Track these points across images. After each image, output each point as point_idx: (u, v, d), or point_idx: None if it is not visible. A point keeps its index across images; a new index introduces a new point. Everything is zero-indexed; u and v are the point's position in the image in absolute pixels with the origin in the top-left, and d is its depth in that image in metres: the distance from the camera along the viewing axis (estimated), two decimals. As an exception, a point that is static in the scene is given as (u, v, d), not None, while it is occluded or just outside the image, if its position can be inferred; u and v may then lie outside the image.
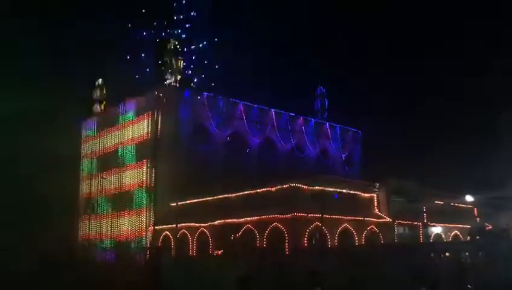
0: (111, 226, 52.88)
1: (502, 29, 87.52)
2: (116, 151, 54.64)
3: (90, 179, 57.94)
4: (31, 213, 56.83)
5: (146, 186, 49.12)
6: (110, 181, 53.94)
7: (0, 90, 57.79)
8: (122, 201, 51.76)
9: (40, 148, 57.46)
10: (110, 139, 56.36)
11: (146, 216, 48.19)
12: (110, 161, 55.19)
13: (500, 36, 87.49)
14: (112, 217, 53.19)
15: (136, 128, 52.05)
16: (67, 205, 58.91)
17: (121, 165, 53.33)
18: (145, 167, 49.65)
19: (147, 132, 50.33)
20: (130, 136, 52.75)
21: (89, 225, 54.25)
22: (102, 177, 52.95)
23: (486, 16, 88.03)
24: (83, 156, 61.34)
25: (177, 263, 34.87)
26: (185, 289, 30.22)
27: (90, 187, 56.76)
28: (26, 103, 57.05)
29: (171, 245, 43.33)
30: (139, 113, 52.01)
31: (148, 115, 50.53)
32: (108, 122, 57.03)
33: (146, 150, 49.96)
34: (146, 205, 48.58)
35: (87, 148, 60.92)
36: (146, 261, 36.76)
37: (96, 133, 59.32)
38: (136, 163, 51.08)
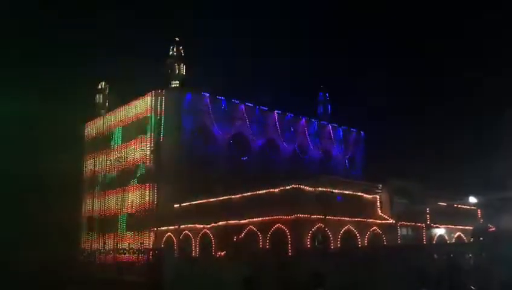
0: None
1: (502, 28, 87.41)
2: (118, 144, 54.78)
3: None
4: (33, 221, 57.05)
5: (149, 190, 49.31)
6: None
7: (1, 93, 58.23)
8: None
9: (41, 152, 57.77)
10: (112, 139, 56.36)
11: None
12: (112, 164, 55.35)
13: (501, 35, 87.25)
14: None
15: (138, 130, 52.00)
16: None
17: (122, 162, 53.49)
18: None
19: (150, 134, 50.29)
20: (133, 139, 52.71)
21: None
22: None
23: (486, 16, 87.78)
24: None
25: (179, 264, 34.85)
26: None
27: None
28: (26, 106, 57.35)
29: (174, 246, 43.35)
30: (141, 115, 51.94)
31: (151, 116, 50.51)
32: (111, 125, 57.10)
33: (148, 154, 50.00)
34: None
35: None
36: (148, 262, 36.86)
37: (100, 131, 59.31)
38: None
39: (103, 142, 57.65)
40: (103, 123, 58.81)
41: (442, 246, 39.57)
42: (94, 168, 58.75)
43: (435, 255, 27.72)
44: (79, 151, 61.82)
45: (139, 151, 51.24)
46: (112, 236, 51.69)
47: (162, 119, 49.76)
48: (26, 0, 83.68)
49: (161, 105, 50.13)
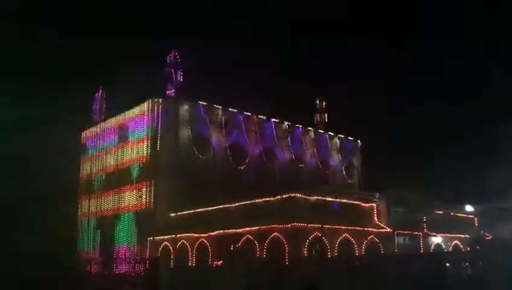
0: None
1: (504, 33, 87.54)
2: (115, 158, 54.71)
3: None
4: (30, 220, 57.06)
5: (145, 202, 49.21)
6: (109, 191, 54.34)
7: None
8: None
9: (39, 157, 57.76)
10: (109, 151, 56.25)
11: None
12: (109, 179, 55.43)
13: (502, 40, 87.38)
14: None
15: (135, 139, 51.87)
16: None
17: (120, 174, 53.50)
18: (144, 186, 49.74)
19: (146, 142, 50.21)
20: (130, 147, 52.58)
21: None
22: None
23: (487, 20, 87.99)
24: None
25: (176, 274, 34.76)
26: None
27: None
28: (24, 110, 57.43)
29: (171, 256, 43.19)
30: (137, 123, 51.90)
31: (148, 124, 50.45)
32: (108, 133, 57.04)
33: (145, 161, 49.94)
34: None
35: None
36: (145, 272, 36.73)
37: (95, 150, 59.20)
38: (136, 178, 50.93)
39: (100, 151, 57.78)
40: (99, 131, 58.73)
41: (440, 254, 39.51)
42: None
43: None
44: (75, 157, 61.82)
45: (137, 144, 51.40)
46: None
47: (159, 128, 49.65)
48: (25, 4, 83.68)
49: (157, 114, 50.02)
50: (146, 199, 48.67)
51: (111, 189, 54.33)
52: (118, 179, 53.34)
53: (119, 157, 54.00)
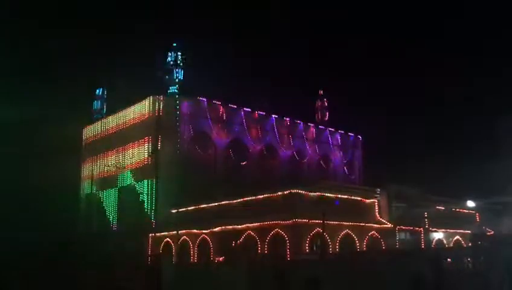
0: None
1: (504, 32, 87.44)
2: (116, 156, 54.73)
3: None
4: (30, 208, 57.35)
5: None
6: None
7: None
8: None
9: (40, 152, 57.98)
10: (111, 147, 56.28)
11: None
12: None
13: (501, 35, 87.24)
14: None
15: (136, 137, 51.87)
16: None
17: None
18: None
19: (148, 139, 50.24)
20: (131, 142, 52.63)
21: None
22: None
23: (487, 20, 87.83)
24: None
25: (178, 270, 34.77)
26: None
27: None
28: (26, 107, 57.59)
29: (172, 252, 43.25)
30: (139, 120, 51.91)
31: (148, 121, 50.43)
32: (109, 128, 57.09)
33: (148, 160, 49.98)
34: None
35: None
36: (146, 268, 36.74)
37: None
38: (138, 170, 51.04)
39: (101, 146, 57.74)
40: (101, 128, 58.69)
41: (442, 250, 39.52)
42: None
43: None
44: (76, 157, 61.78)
45: (137, 156, 51.25)
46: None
47: (160, 125, 49.63)
48: (25, 3, 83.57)
49: (159, 111, 50.00)
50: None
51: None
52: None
53: (119, 160, 53.99)
